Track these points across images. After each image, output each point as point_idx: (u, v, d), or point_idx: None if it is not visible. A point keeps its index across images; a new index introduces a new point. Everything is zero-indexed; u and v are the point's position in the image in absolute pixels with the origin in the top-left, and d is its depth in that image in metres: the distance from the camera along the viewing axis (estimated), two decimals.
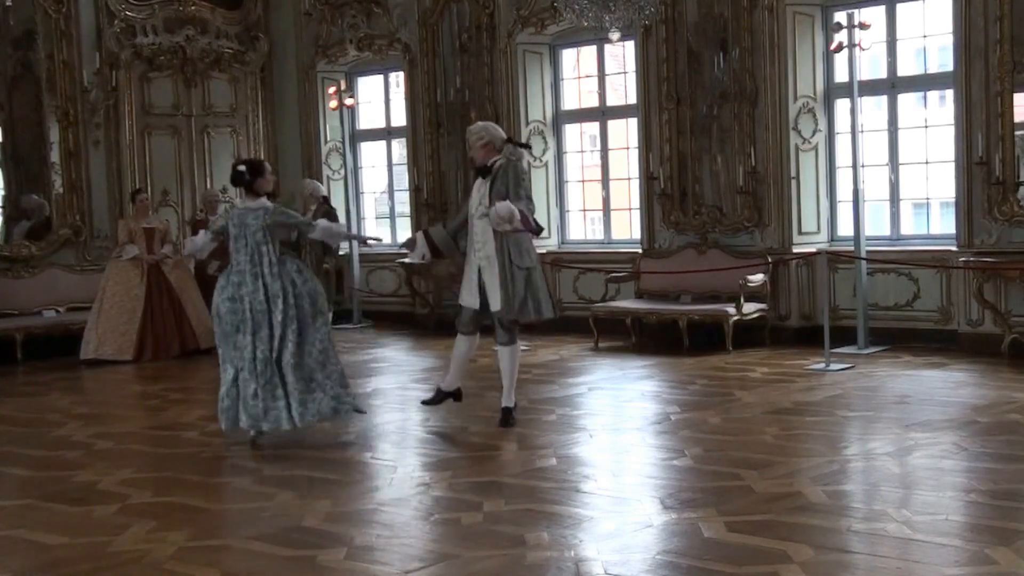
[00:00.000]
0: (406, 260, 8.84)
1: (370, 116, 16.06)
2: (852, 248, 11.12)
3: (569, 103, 14.14)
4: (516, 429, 8.03)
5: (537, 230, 8.03)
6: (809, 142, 11.92)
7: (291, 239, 8.41)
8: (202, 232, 8.77)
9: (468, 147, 8.27)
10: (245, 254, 7.92)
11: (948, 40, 11.03)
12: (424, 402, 8.61)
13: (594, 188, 13.97)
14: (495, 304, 8.00)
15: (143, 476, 7.13)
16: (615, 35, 10.90)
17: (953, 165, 11.00)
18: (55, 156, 13.95)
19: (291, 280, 7.87)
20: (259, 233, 7.93)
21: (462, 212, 8.39)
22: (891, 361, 10.42)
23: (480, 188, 8.09)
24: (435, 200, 14.37)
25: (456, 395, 8.50)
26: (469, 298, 8.16)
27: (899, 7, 11.56)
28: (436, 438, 8.00)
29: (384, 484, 6.69)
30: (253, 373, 7.76)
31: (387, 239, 15.89)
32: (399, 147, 15.62)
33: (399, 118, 15.20)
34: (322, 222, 8.65)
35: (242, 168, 8.22)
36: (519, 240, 7.97)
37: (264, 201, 8.06)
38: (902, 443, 7.13)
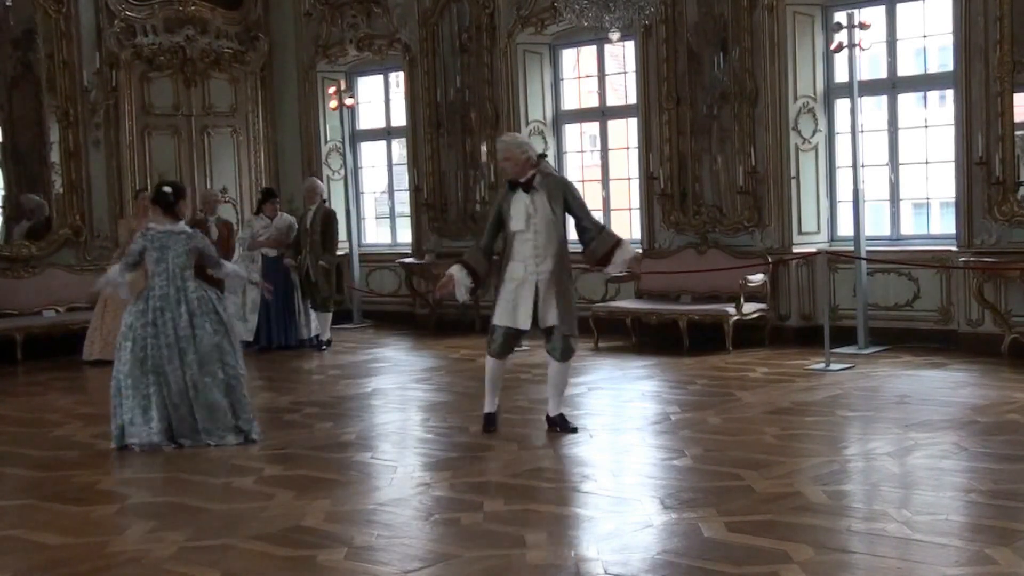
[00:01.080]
0: (456, 295, 8.19)
1: (370, 116, 16.06)
2: (852, 248, 11.13)
3: (569, 103, 14.14)
4: (516, 429, 8.03)
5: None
6: (809, 142, 11.92)
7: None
8: (115, 267, 8.39)
9: (505, 159, 7.93)
10: (166, 278, 7.91)
11: (948, 40, 11.03)
12: (487, 430, 7.98)
13: (594, 188, 13.96)
14: (552, 319, 7.75)
15: (143, 476, 7.14)
16: (615, 35, 10.90)
17: (953, 165, 11.00)
18: (55, 156, 13.95)
19: (212, 308, 7.93)
20: (181, 257, 7.94)
21: (490, 230, 8.05)
22: (891, 361, 10.42)
23: (527, 203, 7.78)
24: (435, 200, 14.37)
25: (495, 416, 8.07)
26: (523, 318, 7.79)
27: (899, 7, 11.57)
28: (436, 438, 8.00)
29: (384, 484, 6.69)
30: (183, 396, 7.82)
31: (387, 240, 15.93)
32: (399, 147, 15.62)
33: (399, 118, 15.20)
34: (229, 266, 8.60)
35: (167, 189, 8.11)
36: (567, 256, 7.89)
37: (183, 225, 8.12)
38: (902, 443, 7.13)
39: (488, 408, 8.06)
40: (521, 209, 7.83)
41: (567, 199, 7.85)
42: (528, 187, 7.83)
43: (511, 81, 13.66)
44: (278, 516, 6.01)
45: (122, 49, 14.36)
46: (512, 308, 7.82)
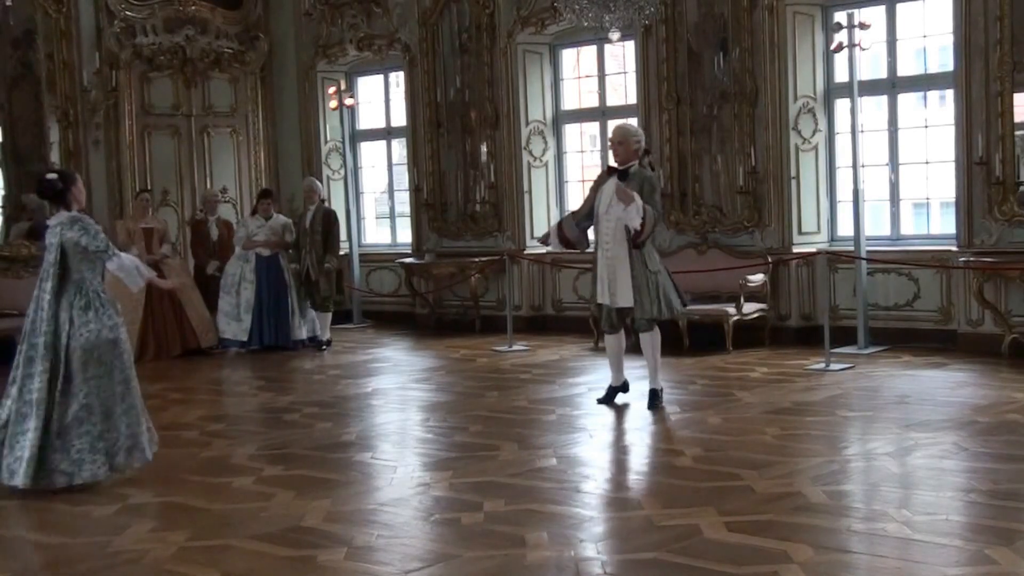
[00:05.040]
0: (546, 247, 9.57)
1: (370, 116, 16.06)
2: (852, 248, 11.13)
3: (569, 103, 14.14)
4: (516, 429, 8.03)
5: (637, 242, 8.34)
6: (809, 142, 11.92)
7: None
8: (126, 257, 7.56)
9: (619, 143, 8.49)
10: (43, 277, 6.86)
11: (948, 40, 11.04)
12: (600, 400, 8.87)
13: None
14: (623, 301, 8.47)
15: (143, 476, 7.12)
16: (615, 35, 10.91)
17: (953, 165, 11.01)
18: (55, 156, 13.93)
19: (69, 318, 6.78)
20: (53, 252, 6.77)
21: (585, 207, 8.76)
22: (891, 361, 10.42)
23: (612, 188, 8.36)
24: (435, 200, 14.37)
25: (624, 387, 8.90)
26: (599, 295, 8.63)
27: (899, 7, 11.57)
28: (436, 438, 8.00)
29: (384, 484, 6.69)
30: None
31: (387, 239, 15.93)
32: (399, 147, 15.62)
33: (399, 118, 15.21)
34: (124, 257, 7.13)
35: (52, 176, 6.95)
36: (648, 245, 8.43)
37: (66, 214, 6.86)
38: (902, 443, 7.13)
39: (613, 381, 8.86)
40: (607, 194, 8.45)
41: (642, 188, 8.30)
42: (623, 176, 8.39)
43: (511, 81, 13.66)
44: (278, 516, 6.00)
45: (122, 49, 14.35)
46: (594, 285, 8.69)
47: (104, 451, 6.74)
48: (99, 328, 6.82)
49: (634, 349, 9.06)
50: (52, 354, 6.76)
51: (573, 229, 8.81)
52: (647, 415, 8.53)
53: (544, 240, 9.23)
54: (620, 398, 8.89)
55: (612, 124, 13.67)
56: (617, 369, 8.86)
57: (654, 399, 8.62)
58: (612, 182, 8.41)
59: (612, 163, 8.62)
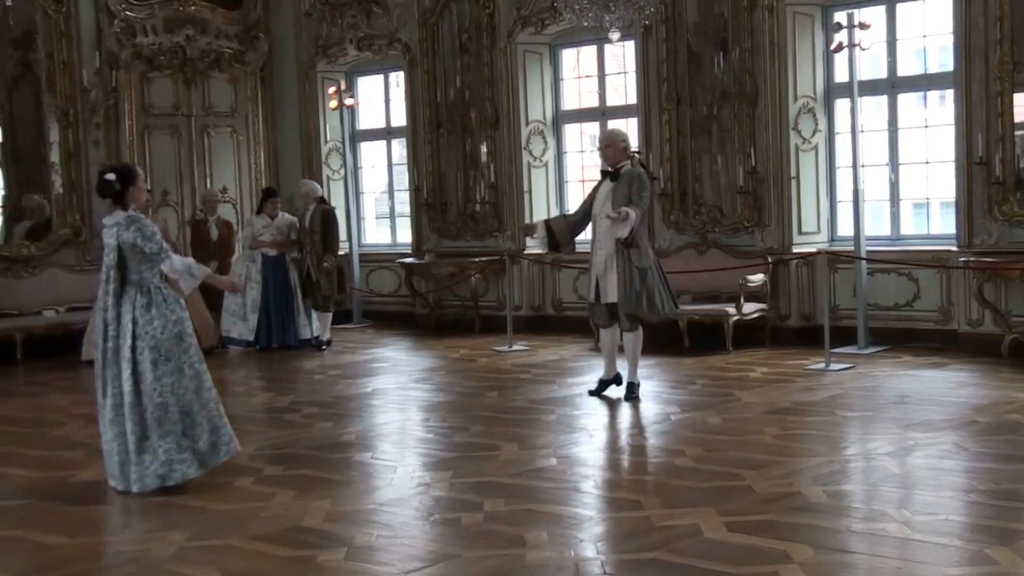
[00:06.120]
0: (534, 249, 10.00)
1: (370, 116, 16.06)
2: (852, 248, 11.13)
3: (569, 103, 14.14)
4: (515, 429, 8.04)
5: (626, 243, 8.67)
6: (809, 142, 11.92)
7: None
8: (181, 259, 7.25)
9: (607, 145, 8.91)
10: (105, 279, 6.76)
11: (948, 40, 11.04)
12: (591, 392, 9.20)
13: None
14: (612, 297, 8.80)
15: None
16: (615, 35, 10.91)
17: (953, 165, 11.01)
18: (55, 156, 13.93)
19: (132, 319, 6.63)
20: (111, 254, 6.69)
21: (581, 209, 9.17)
22: (891, 361, 10.42)
23: (607, 191, 8.81)
24: (435, 200, 14.37)
25: (616, 380, 9.14)
26: (591, 293, 8.98)
27: (899, 7, 11.57)
28: (436, 438, 8.01)
29: (384, 484, 6.69)
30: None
31: (387, 239, 15.93)
32: (399, 147, 15.62)
33: (399, 118, 15.20)
34: (176, 258, 6.87)
35: (111, 176, 6.76)
36: (637, 243, 8.67)
37: (122, 214, 6.73)
38: (902, 443, 7.14)
39: (605, 375, 9.19)
40: (601, 196, 8.86)
41: (631, 185, 8.67)
42: (615, 176, 8.79)
43: (511, 81, 13.66)
44: (278, 516, 6.01)
45: (122, 49, 14.35)
46: (588, 283, 9.06)
47: (190, 448, 6.64)
48: (163, 324, 6.66)
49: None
50: (117, 359, 6.67)
51: (562, 228, 9.19)
52: (646, 415, 8.54)
53: (528, 231, 9.65)
54: (612, 391, 9.11)
55: (612, 124, 13.79)
56: (610, 362, 9.14)
57: (631, 391, 8.94)
58: (607, 184, 8.84)
59: (605, 167, 8.99)
